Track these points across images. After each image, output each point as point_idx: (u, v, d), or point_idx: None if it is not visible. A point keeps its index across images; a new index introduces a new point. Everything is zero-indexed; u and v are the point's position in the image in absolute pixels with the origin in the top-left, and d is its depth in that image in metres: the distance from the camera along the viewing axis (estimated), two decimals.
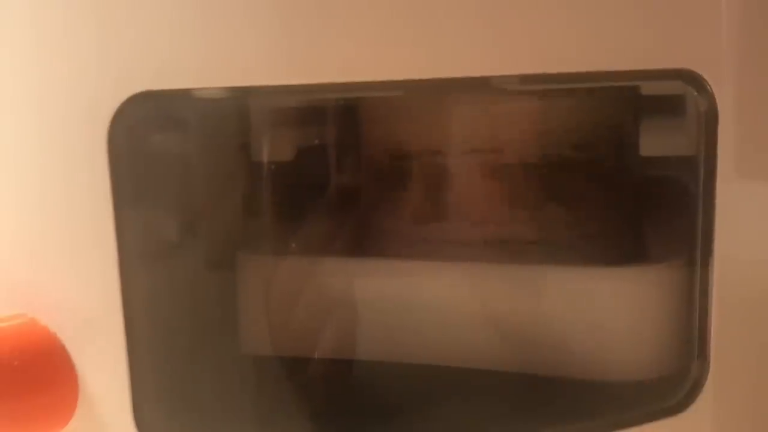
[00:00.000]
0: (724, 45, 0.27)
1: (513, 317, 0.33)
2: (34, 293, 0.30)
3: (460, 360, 0.33)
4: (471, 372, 0.33)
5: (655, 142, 0.34)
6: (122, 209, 0.29)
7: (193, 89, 0.27)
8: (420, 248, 0.34)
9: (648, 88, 0.32)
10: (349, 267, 0.35)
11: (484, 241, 0.34)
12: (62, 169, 0.29)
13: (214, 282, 0.36)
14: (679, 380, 0.31)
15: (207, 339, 0.35)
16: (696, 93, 0.28)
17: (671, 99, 0.31)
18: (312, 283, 0.35)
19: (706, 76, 0.28)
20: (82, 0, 0.27)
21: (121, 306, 0.30)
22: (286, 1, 0.27)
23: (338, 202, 0.37)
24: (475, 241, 0.34)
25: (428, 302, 0.33)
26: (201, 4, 0.27)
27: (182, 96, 0.28)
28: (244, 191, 0.37)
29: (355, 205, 0.37)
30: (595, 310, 0.33)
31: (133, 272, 0.30)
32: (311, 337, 0.35)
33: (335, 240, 0.36)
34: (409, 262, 0.34)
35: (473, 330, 0.33)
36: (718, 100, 0.28)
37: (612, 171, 0.35)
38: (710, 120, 0.28)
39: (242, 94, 0.29)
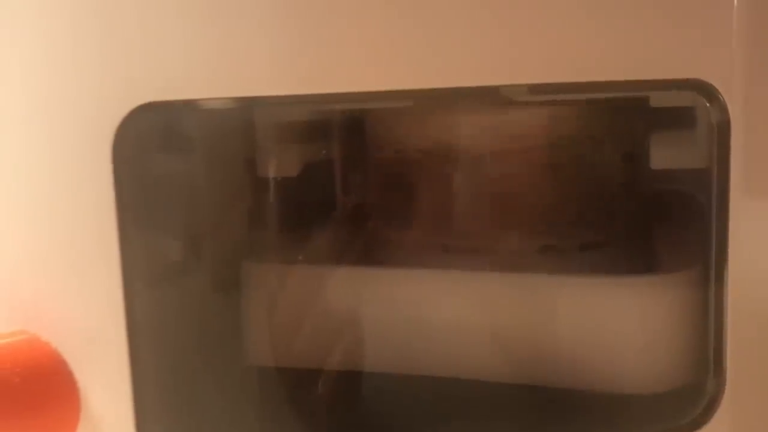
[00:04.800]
0: (736, 54, 0.27)
1: (523, 328, 0.33)
2: (37, 310, 0.30)
3: (469, 372, 0.32)
4: (480, 384, 0.33)
5: (667, 154, 0.34)
6: (126, 224, 0.29)
7: (199, 100, 0.27)
8: (428, 258, 0.34)
9: (659, 99, 0.32)
10: (355, 277, 0.35)
11: (494, 251, 0.33)
12: (66, 183, 0.29)
13: (217, 298, 0.36)
14: (694, 397, 0.30)
15: (210, 356, 0.35)
16: (708, 104, 0.28)
17: (683, 110, 0.30)
18: (318, 295, 0.34)
19: (718, 86, 0.27)
20: (88, 10, 0.27)
21: (125, 323, 0.29)
22: (294, 10, 0.27)
23: (345, 214, 0.36)
24: (484, 251, 0.33)
25: (437, 313, 0.33)
26: (207, 13, 0.27)
27: (188, 107, 0.28)
28: (249, 204, 0.37)
29: (362, 216, 0.36)
30: (608, 323, 0.32)
31: (137, 289, 0.30)
32: (317, 350, 0.34)
33: (342, 251, 0.36)
34: (416, 271, 0.34)
35: (483, 341, 0.33)
36: (730, 111, 0.28)
37: (623, 184, 0.35)
38: (722, 131, 0.28)
39: (249, 105, 0.29)
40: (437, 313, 0.33)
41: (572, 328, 0.32)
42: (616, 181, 0.35)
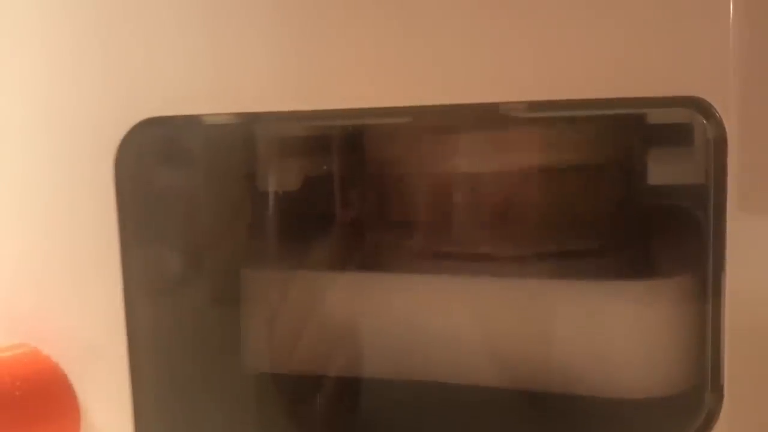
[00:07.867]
0: (732, 71, 0.27)
1: (522, 333, 0.33)
2: (37, 323, 0.30)
3: (467, 378, 0.32)
4: (477, 390, 0.33)
5: (664, 170, 0.34)
6: (128, 237, 0.29)
7: (201, 115, 0.28)
8: (427, 265, 0.34)
9: (656, 116, 0.32)
10: (354, 284, 0.35)
11: (492, 256, 0.34)
12: (69, 196, 0.29)
13: (218, 311, 0.36)
14: (692, 411, 0.30)
15: (210, 368, 0.35)
16: (704, 120, 0.28)
17: (680, 126, 0.31)
18: (316, 303, 0.34)
19: (714, 103, 0.28)
20: (90, 26, 0.28)
21: (125, 336, 0.29)
22: (294, 27, 0.27)
23: (345, 226, 0.37)
24: (482, 258, 0.34)
25: (435, 319, 0.33)
26: (209, 30, 0.27)
27: (190, 122, 0.28)
28: (250, 218, 0.37)
29: (361, 228, 0.36)
30: (606, 328, 0.32)
31: (138, 302, 0.30)
32: (315, 362, 0.34)
33: (342, 260, 0.36)
34: (415, 277, 0.34)
35: (480, 347, 0.33)
36: (726, 127, 0.28)
37: (621, 199, 0.35)
38: (719, 147, 0.28)
39: (251, 120, 0.29)
40: (436, 319, 0.33)
41: (570, 334, 0.32)
42: (614, 197, 0.35)
